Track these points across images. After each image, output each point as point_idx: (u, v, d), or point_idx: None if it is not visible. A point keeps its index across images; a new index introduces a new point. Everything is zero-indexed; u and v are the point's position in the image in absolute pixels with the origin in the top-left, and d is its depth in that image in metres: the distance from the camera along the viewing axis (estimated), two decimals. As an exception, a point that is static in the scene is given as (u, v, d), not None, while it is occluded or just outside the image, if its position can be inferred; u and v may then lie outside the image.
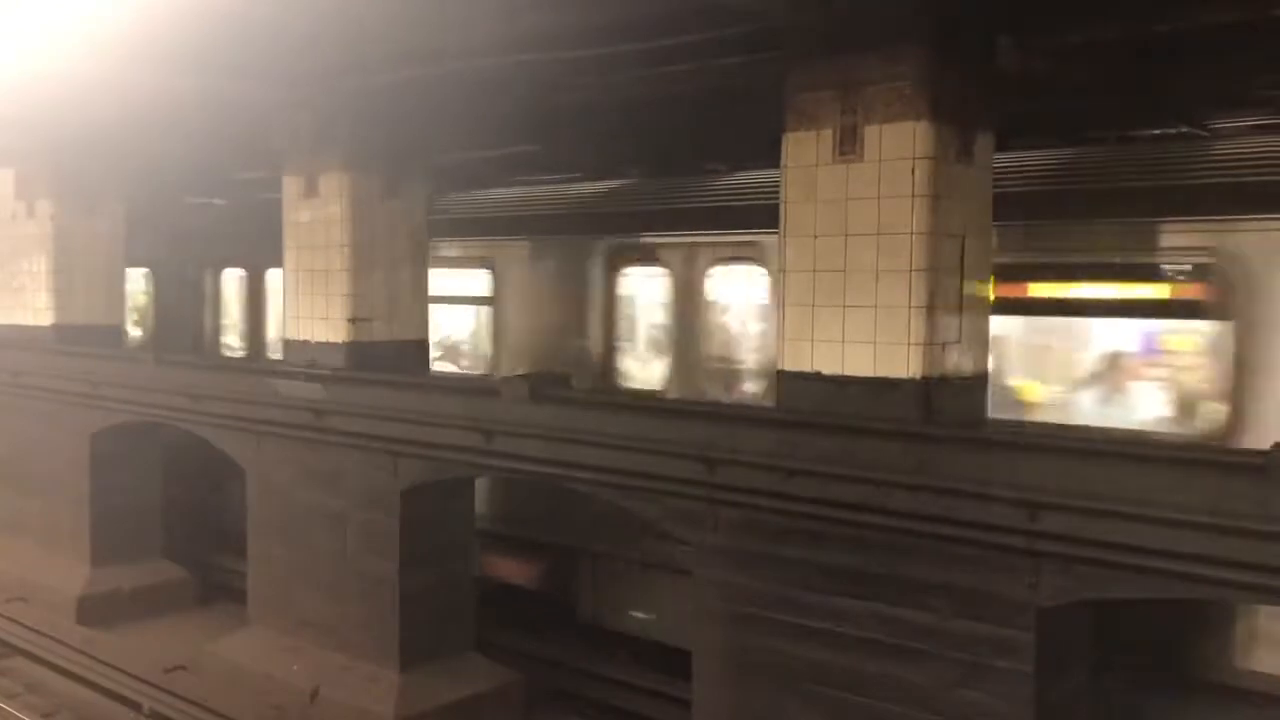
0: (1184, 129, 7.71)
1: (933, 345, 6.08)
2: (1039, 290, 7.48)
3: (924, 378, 6.04)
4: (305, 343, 9.36)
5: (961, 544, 5.69)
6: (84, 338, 11.92)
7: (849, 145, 6.25)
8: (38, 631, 10.57)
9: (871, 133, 6.16)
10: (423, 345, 9.68)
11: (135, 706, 9.19)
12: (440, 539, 8.77)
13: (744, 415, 6.99)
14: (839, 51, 6.23)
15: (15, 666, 10.24)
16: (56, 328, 12.04)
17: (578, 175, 11.04)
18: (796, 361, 6.53)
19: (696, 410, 7.18)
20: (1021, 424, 7.36)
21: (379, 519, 8.62)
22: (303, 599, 9.25)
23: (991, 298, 6.68)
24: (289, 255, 9.55)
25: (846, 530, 6.09)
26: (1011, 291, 7.33)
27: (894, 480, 5.87)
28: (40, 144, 11.64)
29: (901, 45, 6.03)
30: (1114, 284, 7.21)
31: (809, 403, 6.43)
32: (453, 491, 8.77)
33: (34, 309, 12.27)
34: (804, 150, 6.43)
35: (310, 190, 9.29)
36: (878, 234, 6.15)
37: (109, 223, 12.38)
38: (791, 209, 6.53)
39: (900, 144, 6.06)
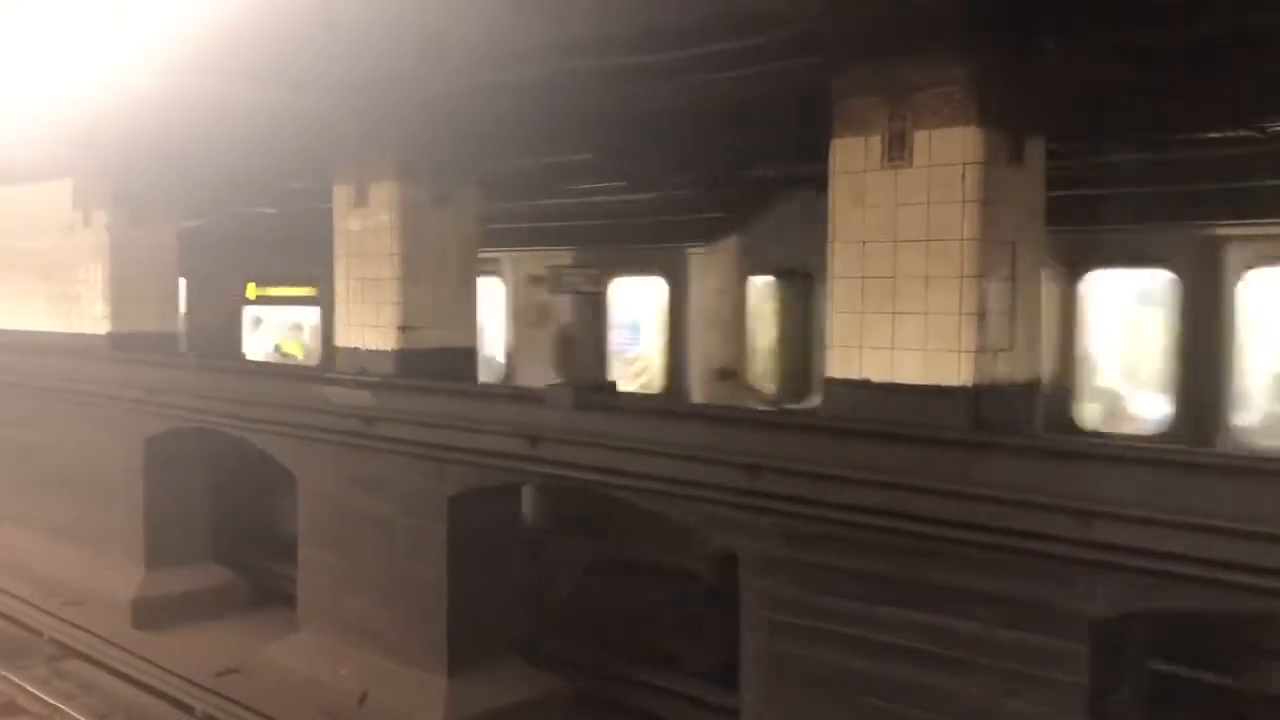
0: (1242, 132, 7.58)
1: (984, 353, 6.02)
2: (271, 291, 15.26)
3: (975, 385, 5.98)
4: (355, 350, 9.46)
5: (1013, 553, 5.62)
6: (139, 345, 12.12)
7: (898, 151, 6.22)
8: (93, 634, 10.74)
9: (921, 138, 6.12)
10: (471, 352, 9.74)
11: (188, 709, 9.30)
12: (487, 545, 8.81)
13: (789, 422, 6.97)
14: (887, 57, 6.20)
15: (72, 669, 10.42)
16: (112, 335, 12.25)
17: (628, 183, 11.06)
18: (844, 368, 6.49)
19: (740, 417, 7.16)
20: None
21: (426, 525, 8.68)
22: (351, 604, 9.32)
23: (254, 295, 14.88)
24: (339, 263, 9.66)
25: (895, 539, 6.04)
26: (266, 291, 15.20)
27: (943, 488, 5.81)
28: (96, 155, 11.86)
29: (950, 50, 5.99)
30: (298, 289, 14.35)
31: (857, 410, 6.39)
32: (500, 498, 8.81)
33: (91, 317, 12.49)
34: (852, 156, 6.40)
35: (361, 199, 9.39)
36: (927, 240, 6.11)
37: (163, 232, 12.58)
38: (839, 215, 6.50)
39: (950, 149, 6.01)
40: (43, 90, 8.03)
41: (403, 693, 8.66)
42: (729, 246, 10.46)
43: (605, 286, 11.24)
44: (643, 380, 11.06)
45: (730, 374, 10.48)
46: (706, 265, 10.46)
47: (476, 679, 8.65)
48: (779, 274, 10.69)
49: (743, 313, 10.59)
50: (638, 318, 11.26)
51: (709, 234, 10.51)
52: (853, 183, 6.41)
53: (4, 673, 9.90)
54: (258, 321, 15.89)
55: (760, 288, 10.73)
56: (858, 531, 6.17)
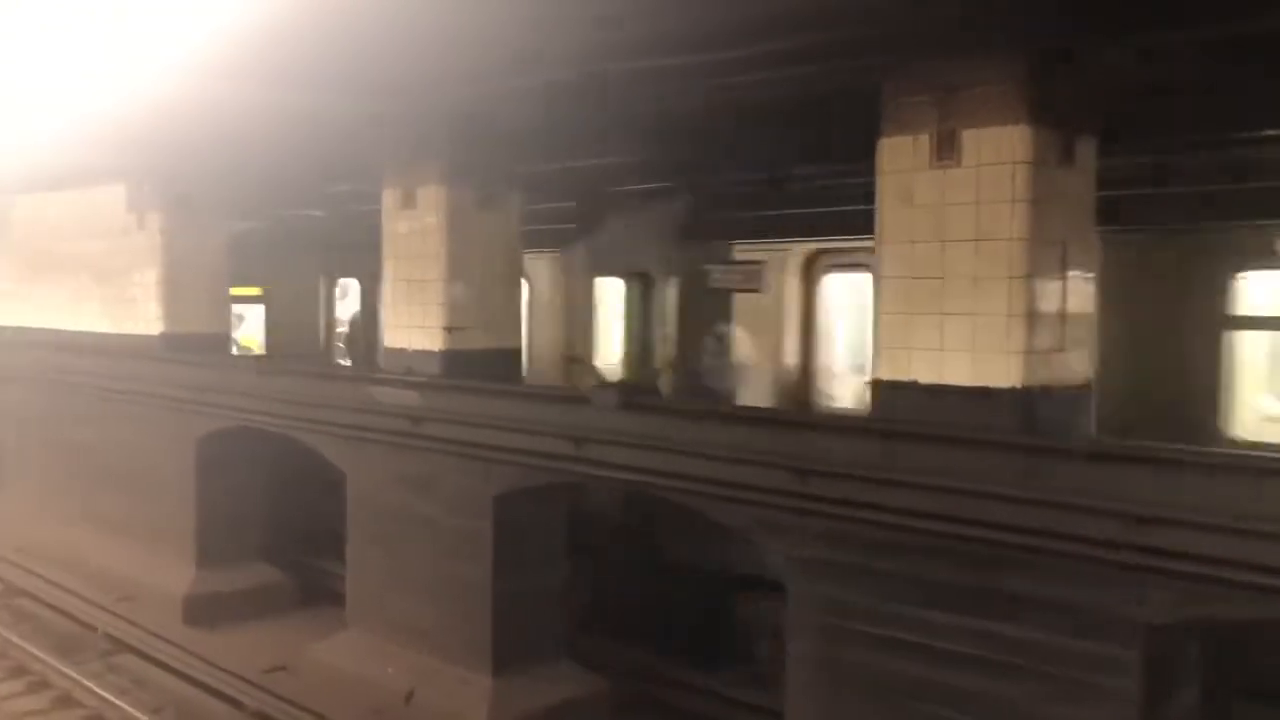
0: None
1: (1033, 354, 5.95)
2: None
3: (1024, 387, 5.91)
4: (402, 350, 9.53)
5: (1063, 558, 5.54)
6: (191, 346, 12.30)
7: (946, 150, 6.17)
8: (146, 630, 10.91)
9: (970, 137, 6.07)
10: (515, 353, 9.78)
11: (238, 705, 9.42)
12: (532, 545, 8.84)
13: (836, 424, 6.93)
14: (936, 56, 6.15)
15: (125, 663, 10.58)
16: (165, 336, 12.44)
17: (672, 184, 11.05)
18: (892, 370, 6.45)
19: (787, 419, 7.13)
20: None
21: (472, 524, 8.72)
22: (398, 603, 9.40)
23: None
24: (387, 265, 9.74)
25: (942, 543, 5.98)
26: None
27: (993, 492, 5.74)
28: (150, 159, 12.05)
29: (1001, 48, 5.93)
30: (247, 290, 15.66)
31: (905, 412, 6.34)
32: (545, 498, 8.83)
33: (145, 318, 12.69)
34: (900, 156, 6.36)
35: (408, 202, 9.46)
36: (976, 240, 6.05)
37: (214, 234, 12.77)
38: (887, 215, 6.46)
39: (999, 148, 5.96)
40: (93, 93, 8.16)
41: (448, 691, 8.72)
42: (578, 252, 12.55)
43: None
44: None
45: (577, 360, 12.56)
46: (560, 268, 12.82)
47: (521, 678, 8.68)
48: (623, 275, 12.77)
49: (590, 308, 12.81)
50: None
51: (561, 241, 12.54)
52: (900, 182, 6.36)
53: (60, 666, 10.08)
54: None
55: (606, 287, 13.08)
56: (907, 535, 6.11)
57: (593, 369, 12.61)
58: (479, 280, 9.37)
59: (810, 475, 6.48)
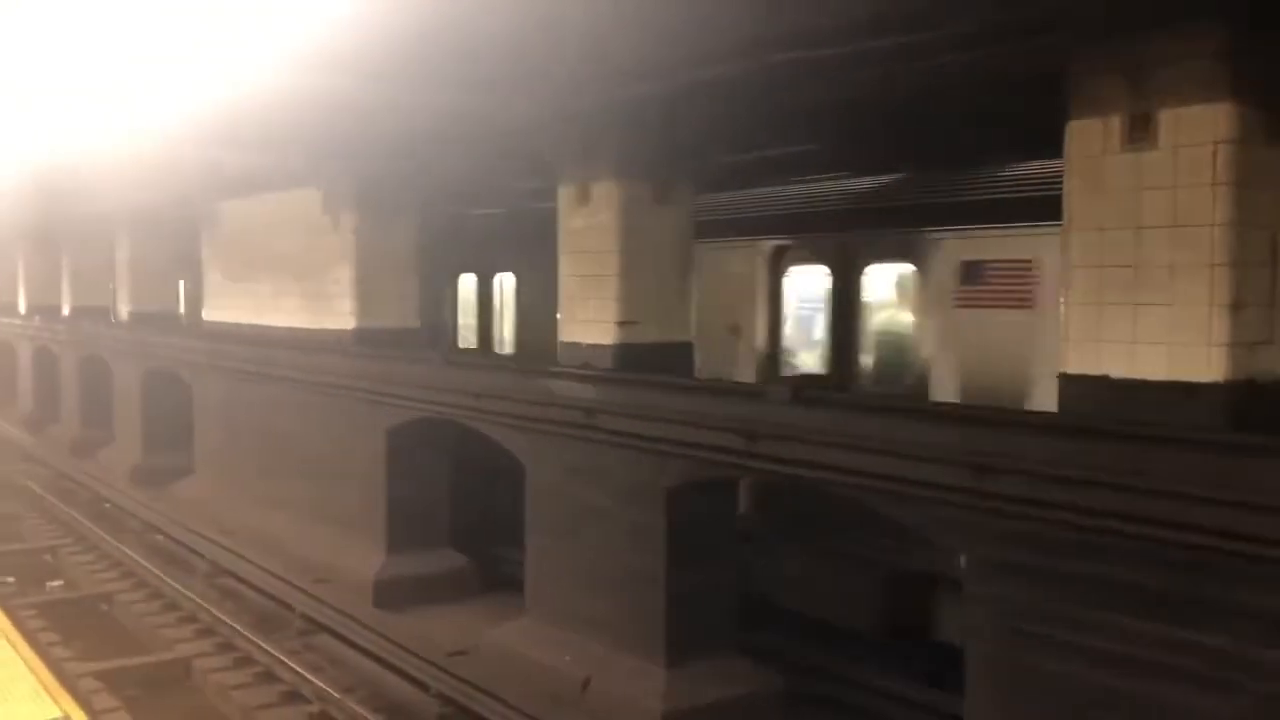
0: None
1: (1238, 346, 5.56)
2: None
3: (1228, 381, 5.53)
4: (578, 344, 9.69)
5: (1274, 565, 5.14)
6: (383, 340, 12.84)
7: (1140, 131, 5.84)
8: (340, 611, 11.43)
9: (1166, 117, 5.72)
10: (687, 347, 9.79)
11: (423, 687, 9.76)
12: (704, 539, 8.83)
13: (1019, 420, 6.64)
14: (1129, 31, 5.81)
15: (321, 643, 11.13)
16: (358, 331, 13.04)
17: (848, 173, 10.87)
18: (1081, 363, 6.15)
19: (965, 415, 6.88)
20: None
21: (645, 517, 8.78)
22: (574, 592, 9.56)
23: None
24: (564, 261, 9.91)
25: (1137, 546, 5.64)
26: None
27: (1194, 494, 5.38)
28: (343, 163, 12.64)
29: (1200, 20, 5.55)
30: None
31: (1095, 408, 6.04)
32: (718, 491, 8.81)
33: (339, 314, 13.34)
34: (1089, 138, 6.05)
35: (583, 198, 9.60)
36: (1173, 226, 5.70)
37: (402, 233, 13.29)
38: (1076, 201, 6.16)
39: (1199, 128, 5.59)
40: (290, 101, 8.61)
41: (623, 680, 8.81)
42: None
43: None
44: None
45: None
46: None
47: (694, 671, 8.69)
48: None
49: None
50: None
51: None
52: (1090, 167, 6.06)
53: (263, 644, 10.69)
54: None
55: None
56: (1098, 537, 5.80)
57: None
58: (652, 274, 9.43)
59: (990, 473, 6.24)
